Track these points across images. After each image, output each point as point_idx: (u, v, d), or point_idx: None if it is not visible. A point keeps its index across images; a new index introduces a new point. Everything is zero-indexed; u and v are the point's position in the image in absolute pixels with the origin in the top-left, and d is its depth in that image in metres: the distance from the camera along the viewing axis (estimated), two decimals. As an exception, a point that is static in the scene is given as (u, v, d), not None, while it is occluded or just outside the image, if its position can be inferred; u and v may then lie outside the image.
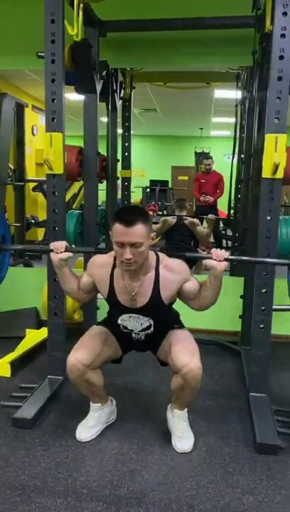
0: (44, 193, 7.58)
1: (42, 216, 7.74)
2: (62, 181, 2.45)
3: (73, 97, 7.91)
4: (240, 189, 4.56)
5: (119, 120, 4.04)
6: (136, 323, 2.00)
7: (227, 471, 1.89)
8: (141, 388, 2.62)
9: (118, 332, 2.07)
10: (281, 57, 2.17)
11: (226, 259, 1.92)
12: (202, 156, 8.61)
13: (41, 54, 2.83)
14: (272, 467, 1.92)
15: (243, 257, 2.28)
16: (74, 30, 2.50)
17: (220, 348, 3.22)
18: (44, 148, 2.39)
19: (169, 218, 4.57)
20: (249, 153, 3.61)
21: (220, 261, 1.90)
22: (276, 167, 2.18)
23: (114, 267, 1.98)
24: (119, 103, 3.72)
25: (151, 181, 8.97)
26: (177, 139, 11.55)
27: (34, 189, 7.00)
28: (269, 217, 2.31)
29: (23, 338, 3.17)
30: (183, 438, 2.04)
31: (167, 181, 9.53)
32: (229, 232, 7.43)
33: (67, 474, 1.84)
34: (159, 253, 2.00)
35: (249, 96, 3.44)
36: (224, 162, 11.83)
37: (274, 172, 2.21)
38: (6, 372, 2.73)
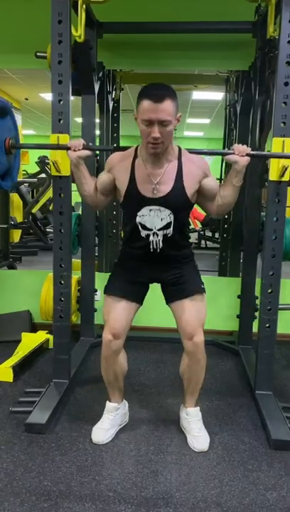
0: (20, 194, 7.51)
1: (19, 218, 7.65)
2: (69, 183, 2.42)
3: (47, 97, 7.86)
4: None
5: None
6: (156, 218, 1.91)
7: (246, 469, 1.93)
8: (147, 390, 2.63)
9: (135, 240, 1.98)
10: (288, 63, 2.23)
11: (248, 154, 1.93)
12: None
13: (40, 54, 2.83)
14: (289, 463, 1.97)
15: (265, 153, 2.31)
16: (79, 32, 2.49)
17: (218, 347, 3.27)
18: (50, 150, 2.36)
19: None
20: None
21: (242, 156, 1.91)
22: (284, 170, 2.23)
23: (134, 157, 1.94)
24: (111, 104, 3.71)
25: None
26: (152, 139, 11.58)
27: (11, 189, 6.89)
28: (275, 219, 2.36)
29: (19, 342, 3.12)
30: (199, 437, 2.07)
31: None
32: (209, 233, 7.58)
33: (91, 478, 1.83)
34: (181, 147, 1.97)
35: (242, 99, 3.50)
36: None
37: (282, 175, 2.27)
38: (9, 377, 2.69)
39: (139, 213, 1.93)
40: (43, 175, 7.49)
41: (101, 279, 3.38)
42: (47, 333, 3.25)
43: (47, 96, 7.84)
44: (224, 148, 4.33)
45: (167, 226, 1.93)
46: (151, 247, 1.96)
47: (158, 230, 1.94)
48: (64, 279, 2.48)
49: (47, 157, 7.37)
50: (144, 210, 1.92)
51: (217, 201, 2.00)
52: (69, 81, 2.34)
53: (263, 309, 2.44)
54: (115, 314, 2.02)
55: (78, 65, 2.71)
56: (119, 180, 1.95)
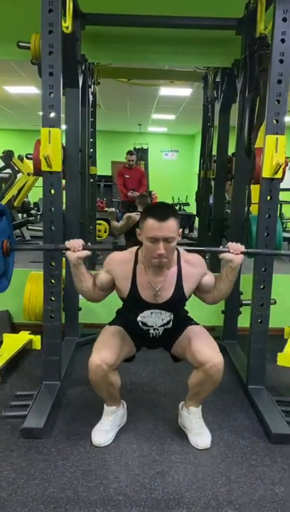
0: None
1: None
2: (60, 179, 2.35)
3: (12, 90, 7.61)
4: (202, 187, 4.70)
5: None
6: (157, 319, 2.00)
7: (251, 464, 1.94)
8: (139, 388, 2.60)
9: (135, 329, 2.05)
10: (281, 61, 2.25)
11: (243, 253, 1.97)
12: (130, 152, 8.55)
13: (23, 44, 2.72)
14: (290, 456, 2.01)
15: (259, 250, 2.34)
16: (67, 22, 2.42)
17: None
18: (41, 145, 2.28)
19: (133, 215, 4.55)
20: (224, 153, 3.72)
21: (237, 254, 1.95)
22: (278, 167, 2.26)
23: (135, 263, 1.96)
24: (91, 98, 3.64)
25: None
26: (117, 134, 11.51)
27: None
28: (267, 216, 2.39)
29: (0, 343, 3.02)
30: (201, 435, 2.07)
31: (111, 176, 9.46)
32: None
33: (97, 482, 1.79)
34: (179, 248, 2.00)
35: (223, 96, 3.52)
36: (161, 159, 12.07)
37: (275, 172, 2.29)
38: (-4, 380, 2.59)
39: (141, 314, 2.00)
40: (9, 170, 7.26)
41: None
42: (30, 333, 3.16)
43: (11, 89, 7.60)
44: (203, 141, 4.33)
45: (167, 323, 2.03)
46: (151, 336, 2.05)
47: (159, 326, 2.03)
48: (55, 277, 2.41)
49: (12, 151, 7.16)
50: (146, 313, 1.99)
51: (212, 293, 2.06)
52: (60, 73, 2.26)
53: (255, 305, 2.47)
54: (108, 341, 1.99)
55: (65, 57, 2.62)
56: (120, 283, 1.99)
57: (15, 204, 7.46)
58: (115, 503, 1.68)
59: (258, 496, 1.74)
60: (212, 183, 4.18)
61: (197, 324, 2.14)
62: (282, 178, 2.35)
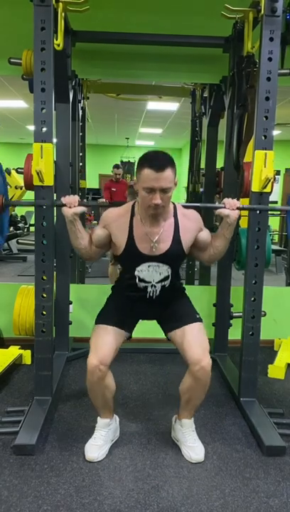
0: None
1: None
2: (52, 193, 2.36)
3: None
4: (190, 200, 4.74)
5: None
6: (154, 273, 1.98)
7: (244, 477, 1.94)
8: (131, 402, 2.59)
9: (132, 290, 2.02)
10: (269, 79, 2.31)
11: (238, 208, 2.02)
12: (117, 165, 8.59)
13: (14, 61, 2.74)
14: (283, 468, 2.01)
15: (255, 206, 2.36)
16: (59, 40, 2.45)
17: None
18: (33, 160, 2.29)
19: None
20: (212, 167, 3.77)
21: (233, 209, 1.99)
22: (267, 182, 2.30)
23: (132, 215, 1.96)
24: (81, 113, 3.67)
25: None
26: (105, 148, 11.60)
27: None
28: (257, 229, 2.42)
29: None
30: (195, 448, 2.06)
31: (99, 190, 9.49)
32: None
33: (92, 499, 1.77)
34: (175, 202, 2.01)
35: (211, 112, 3.58)
36: (149, 172, 12.15)
37: (264, 186, 2.34)
38: (-14, 396, 2.56)
39: (138, 268, 1.98)
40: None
41: (74, 290, 3.32)
42: (20, 348, 3.13)
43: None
44: (191, 155, 4.39)
45: (165, 279, 2.01)
46: (148, 295, 2.03)
47: (157, 282, 2.01)
48: (46, 292, 2.40)
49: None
50: (143, 266, 1.97)
51: (209, 251, 2.08)
52: (52, 89, 2.29)
53: (246, 317, 2.49)
54: (102, 342, 1.98)
55: (56, 73, 2.65)
56: (117, 236, 1.98)
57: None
58: (110, 520, 1.67)
59: (253, 510, 1.74)
60: (201, 196, 4.23)
61: (200, 320, 2.08)
62: (271, 192, 2.39)
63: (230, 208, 1.99)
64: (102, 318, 2.08)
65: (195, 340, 1.98)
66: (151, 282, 2.00)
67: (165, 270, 1.99)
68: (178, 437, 2.13)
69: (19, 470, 1.93)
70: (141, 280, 2.00)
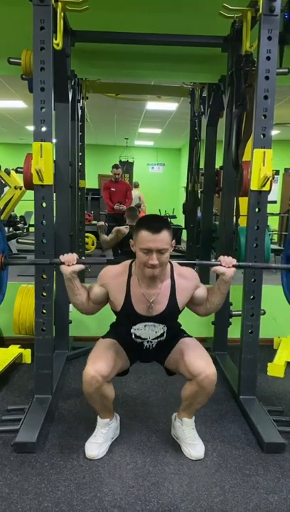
0: None
1: None
2: (51, 192, 2.37)
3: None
4: (190, 199, 4.75)
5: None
6: (150, 332, 2.02)
7: (244, 474, 1.95)
8: (131, 401, 2.60)
9: (128, 342, 2.06)
10: (267, 78, 2.32)
11: (234, 266, 2.01)
12: (116, 165, 8.61)
13: (14, 60, 2.75)
14: (283, 465, 2.02)
15: (250, 264, 2.38)
16: (58, 39, 2.46)
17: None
18: (33, 159, 2.30)
19: (122, 228, 4.57)
20: (211, 166, 3.78)
21: (229, 267, 1.99)
22: (266, 180, 2.31)
23: (129, 275, 1.98)
24: (80, 113, 3.68)
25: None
26: (104, 148, 11.62)
27: None
28: (256, 227, 2.43)
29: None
30: (195, 445, 2.07)
31: (99, 190, 9.50)
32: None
33: (92, 495, 1.78)
34: (172, 261, 2.03)
35: (210, 111, 3.60)
36: (148, 172, 12.16)
37: (263, 185, 2.35)
38: (-14, 395, 2.56)
39: (134, 327, 2.02)
40: None
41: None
42: (20, 347, 3.14)
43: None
44: (190, 155, 4.40)
45: (161, 336, 2.04)
46: (144, 348, 2.07)
47: (153, 339, 2.05)
48: (46, 290, 2.41)
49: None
50: (139, 325, 2.01)
51: (205, 306, 2.11)
52: (51, 88, 2.30)
53: (246, 315, 2.50)
54: (103, 353, 1.99)
55: (55, 73, 2.66)
56: (114, 296, 2.01)
57: (1, 217, 7.43)
58: (110, 516, 1.68)
59: (252, 506, 1.75)
60: (200, 195, 4.24)
61: (190, 337, 2.16)
62: (269, 191, 2.40)
63: (226, 265, 1.99)
64: (108, 336, 2.13)
65: (195, 354, 2.00)
66: (147, 339, 2.04)
67: (160, 328, 2.02)
68: (178, 435, 2.14)
69: (20, 467, 1.94)
70: (137, 337, 2.04)
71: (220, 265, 2.00)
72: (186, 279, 2.02)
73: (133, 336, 2.03)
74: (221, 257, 2.02)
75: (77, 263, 1.98)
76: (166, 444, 2.15)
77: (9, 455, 2.03)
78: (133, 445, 2.14)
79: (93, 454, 2.02)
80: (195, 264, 2.20)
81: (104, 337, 2.15)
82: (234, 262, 2.01)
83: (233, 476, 1.93)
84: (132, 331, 2.02)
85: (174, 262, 2.06)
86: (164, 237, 1.83)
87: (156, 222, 1.87)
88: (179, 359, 2.04)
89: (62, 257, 2.00)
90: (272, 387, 2.86)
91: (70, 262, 1.98)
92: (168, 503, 1.75)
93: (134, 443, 2.16)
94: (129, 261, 2.04)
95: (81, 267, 2.00)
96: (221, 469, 1.98)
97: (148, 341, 2.04)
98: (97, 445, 2.05)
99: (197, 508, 1.73)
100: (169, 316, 2.01)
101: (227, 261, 2.00)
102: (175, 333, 2.13)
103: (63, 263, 1.99)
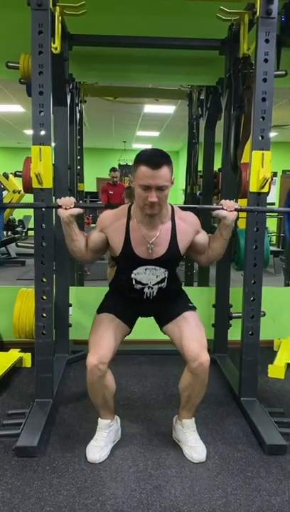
0: None
1: None
2: (51, 195, 2.37)
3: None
4: (188, 202, 4.76)
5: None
6: (151, 276, 1.98)
7: (246, 476, 1.95)
8: (132, 404, 2.59)
9: (129, 291, 2.03)
10: (265, 80, 2.33)
11: (236, 209, 2.01)
12: (114, 168, 8.61)
13: (12, 64, 2.76)
14: (285, 467, 2.01)
15: (252, 207, 2.36)
16: (56, 43, 2.46)
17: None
18: (32, 162, 2.30)
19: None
20: (210, 168, 3.79)
21: (231, 211, 1.99)
22: (265, 182, 2.32)
23: (128, 218, 1.96)
24: (78, 116, 3.69)
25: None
26: (102, 151, 11.64)
27: None
28: (255, 229, 2.44)
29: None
30: (197, 448, 2.07)
31: (97, 193, 9.51)
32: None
33: (94, 499, 1.77)
34: (173, 205, 2.02)
35: (208, 113, 3.60)
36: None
37: (262, 187, 2.35)
38: (-13, 399, 2.56)
39: (135, 271, 1.98)
40: None
41: (73, 293, 3.33)
42: (20, 351, 3.14)
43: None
44: (189, 157, 4.41)
45: (162, 281, 2.01)
46: (145, 296, 2.03)
47: (154, 284, 2.01)
48: (46, 294, 2.41)
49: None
50: (140, 269, 1.98)
51: (206, 253, 2.09)
52: (50, 92, 2.30)
53: (246, 317, 2.50)
54: (102, 339, 1.97)
55: (53, 77, 2.66)
56: (113, 240, 1.98)
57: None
58: (113, 520, 1.67)
59: (255, 508, 1.75)
60: (199, 197, 4.24)
61: (192, 309, 2.11)
62: (268, 192, 2.41)
63: (228, 209, 1.98)
64: (103, 309, 2.10)
65: (192, 336, 1.98)
66: (147, 284, 2.01)
67: (162, 273, 2.00)
68: (179, 438, 2.14)
69: (21, 472, 1.93)
70: (138, 282, 2.00)
71: (222, 209, 1.99)
72: (187, 223, 1.99)
73: (133, 282, 1.99)
74: (223, 201, 2.01)
75: (74, 207, 1.97)
76: (168, 447, 2.14)
77: (10, 459, 2.02)
78: (135, 448, 2.13)
79: (94, 457, 2.01)
80: (196, 208, 2.19)
81: (100, 309, 2.10)
82: (236, 205, 2.01)
83: (235, 479, 1.92)
84: (132, 276, 1.98)
85: (175, 206, 2.03)
86: (164, 174, 1.78)
87: (156, 158, 1.80)
88: (177, 336, 2.02)
89: (60, 200, 1.98)
90: (273, 388, 2.85)
91: (67, 205, 1.95)
92: (170, 507, 1.74)
93: (136, 446, 2.15)
94: (128, 204, 2.01)
95: (79, 210, 1.98)
96: (223, 472, 1.97)
97: (149, 287, 2.00)
98: (99, 448, 2.04)
99: (200, 511, 1.72)
100: (170, 259, 1.98)
101: (229, 204, 1.99)
102: (177, 289, 2.12)
103: (60, 206, 1.97)
